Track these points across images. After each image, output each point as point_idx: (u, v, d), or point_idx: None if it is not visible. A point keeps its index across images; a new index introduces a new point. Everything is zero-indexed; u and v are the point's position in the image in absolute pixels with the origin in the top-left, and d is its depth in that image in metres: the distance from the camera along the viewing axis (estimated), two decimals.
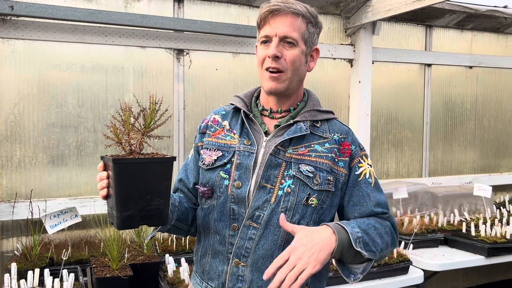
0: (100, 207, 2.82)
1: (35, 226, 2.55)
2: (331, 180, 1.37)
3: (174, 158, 1.27)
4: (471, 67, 4.28)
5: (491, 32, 4.37)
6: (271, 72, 1.35)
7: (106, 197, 1.29)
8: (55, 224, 2.47)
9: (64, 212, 2.50)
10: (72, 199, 2.82)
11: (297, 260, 1.19)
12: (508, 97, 4.55)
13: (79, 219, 2.54)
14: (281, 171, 1.35)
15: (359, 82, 3.59)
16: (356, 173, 1.41)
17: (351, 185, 1.41)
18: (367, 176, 1.43)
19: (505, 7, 4.10)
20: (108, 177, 1.27)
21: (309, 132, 1.39)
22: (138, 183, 1.22)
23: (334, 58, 3.60)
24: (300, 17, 1.35)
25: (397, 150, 4.02)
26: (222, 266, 1.38)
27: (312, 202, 1.34)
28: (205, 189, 1.41)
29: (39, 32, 2.67)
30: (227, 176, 1.39)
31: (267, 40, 1.36)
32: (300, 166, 1.35)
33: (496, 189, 4.28)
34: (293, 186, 1.34)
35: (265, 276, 1.19)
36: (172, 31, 2.99)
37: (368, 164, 1.45)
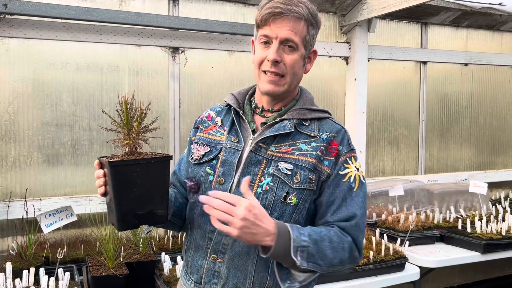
0: (95, 206, 2.81)
1: (30, 225, 2.54)
2: (313, 179, 1.34)
3: (170, 157, 1.26)
4: (466, 65, 4.29)
5: (486, 29, 4.38)
6: (269, 75, 1.34)
7: (104, 195, 1.29)
8: (51, 223, 2.46)
9: (59, 211, 2.49)
10: (68, 198, 2.81)
11: (236, 216, 1.17)
12: (503, 94, 4.57)
13: (74, 218, 2.54)
14: (261, 168, 1.35)
15: (355, 79, 3.59)
16: (341, 172, 1.36)
17: (333, 184, 1.36)
18: (351, 180, 1.37)
19: (500, 4, 4.11)
20: (105, 175, 1.27)
21: (293, 130, 1.37)
22: (134, 185, 1.21)
23: (330, 56, 3.60)
24: (303, 21, 1.33)
25: (393, 148, 4.03)
26: (201, 261, 1.39)
27: (291, 201, 1.32)
28: (192, 183, 1.42)
29: (34, 30, 2.66)
30: (212, 172, 1.40)
31: (267, 41, 1.34)
32: (279, 163, 1.34)
33: (492, 186, 4.30)
34: (271, 184, 1.33)
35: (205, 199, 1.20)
36: (167, 29, 2.99)
37: (355, 167, 1.38)
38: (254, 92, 1.51)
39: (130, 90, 2.99)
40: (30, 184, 2.76)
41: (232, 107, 1.46)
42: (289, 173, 1.33)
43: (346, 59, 3.67)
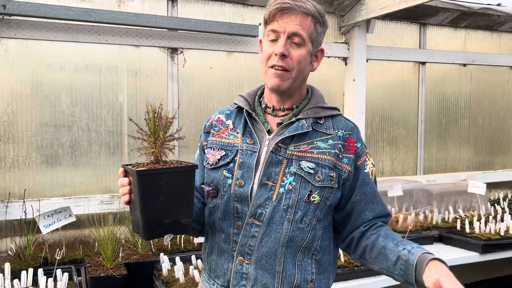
0: (94, 206, 2.81)
1: (29, 226, 2.54)
2: (334, 176, 1.36)
3: (196, 166, 1.28)
4: (465, 65, 4.30)
5: (485, 30, 4.39)
6: (276, 69, 1.35)
7: (129, 203, 1.29)
8: (49, 224, 2.46)
9: (58, 212, 2.50)
10: (66, 198, 2.81)
11: None
12: (502, 95, 4.57)
13: (73, 219, 2.54)
14: (282, 168, 1.35)
15: (354, 80, 3.59)
16: (365, 171, 1.42)
17: (361, 183, 1.41)
18: (373, 176, 1.45)
19: (498, 5, 4.11)
20: (129, 183, 1.27)
21: (311, 129, 1.38)
22: (161, 193, 1.21)
23: (329, 57, 3.61)
24: (310, 17, 1.34)
25: (392, 148, 4.03)
26: (227, 264, 1.39)
27: (314, 199, 1.34)
28: (210, 188, 1.42)
29: (32, 31, 2.66)
30: (230, 175, 1.39)
31: (275, 38, 1.35)
32: (301, 162, 1.35)
33: (491, 186, 4.30)
34: (294, 183, 1.34)
35: None
36: (166, 30, 2.99)
37: (372, 163, 1.45)
38: (262, 92, 1.51)
39: (129, 91, 2.99)
40: (28, 185, 2.76)
41: (244, 109, 1.45)
42: (312, 171, 1.34)
43: (344, 59, 3.67)
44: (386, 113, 3.98)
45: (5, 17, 2.59)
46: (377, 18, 3.53)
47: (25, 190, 2.72)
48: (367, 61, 3.68)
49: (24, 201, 2.64)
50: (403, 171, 4.09)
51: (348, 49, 3.64)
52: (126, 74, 2.99)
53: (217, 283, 1.42)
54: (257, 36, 3.15)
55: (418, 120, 4.13)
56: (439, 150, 4.27)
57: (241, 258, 1.36)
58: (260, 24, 3.24)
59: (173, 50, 3.08)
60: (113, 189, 2.97)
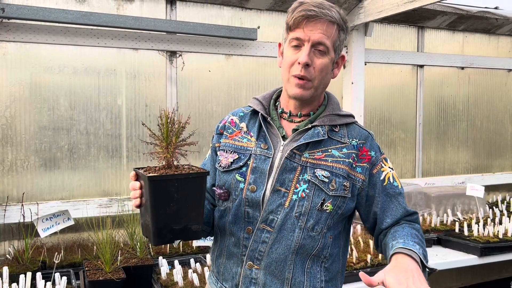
0: (92, 210, 2.81)
1: (27, 229, 2.53)
2: (347, 186, 1.35)
3: (207, 173, 1.27)
4: (463, 68, 4.31)
5: (483, 33, 4.41)
6: (299, 78, 1.34)
7: (139, 206, 1.29)
8: (48, 228, 2.45)
9: (56, 215, 2.49)
10: (65, 202, 2.81)
11: None
12: (499, 98, 4.59)
13: (71, 222, 2.53)
14: (296, 175, 1.34)
15: (352, 83, 3.60)
16: (381, 178, 1.40)
17: (379, 191, 1.40)
18: (391, 180, 1.42)
19: (496, 8, 4.13)
20: (141, 187, 1.27)
21: (326, 137, 1.37)
22: (172, 200, 1.21)
23: None
24: (336, 25, 1.33)
25: (390, 151, 4.04)
26: (236, 268, 1.39)
27: (327, 208, 1.33)
28: (222, 191, 1.41)
29: (31, 34, 2.66)
30: (243, 179, 1.38)
31: (298, 44, 1.33)
32: (315, 170, 1.34)
33: (489, 189, 4.31)
34: (307, 191, 1.33)
35: None
36: (165, 33, 2.99)
37: (389, 167, 1.43)
38: (278, 96, 1.50)
39: (127, 94, 2.99)
40: (27, 188, 2.76)
41: (259, 113, 1.43)
42: (326, 180, 1.33)
43: None
44: (385, 116, 3.99)
45: (3, 20, 2.59)
46: (375, 21, 3.54)
47: (23, 194, 2.71)
48: (365, 64, 3.68)
49: (22, 205, 2.63)
50: (401, 174, 4.10)
51: (346, 52, 3.65)
52: (125, 77, 3.00)
53: (225, 286, 1.42)
54: (256, 40, 3.16)
55: (416, 123, 4.14)
56: (437, 153, 4.28)
57: (251, 263, 1.36)
58: (258, 27, 3.25)
59: (172, 53, 3.08)
60: (111, 193, 2.97)
